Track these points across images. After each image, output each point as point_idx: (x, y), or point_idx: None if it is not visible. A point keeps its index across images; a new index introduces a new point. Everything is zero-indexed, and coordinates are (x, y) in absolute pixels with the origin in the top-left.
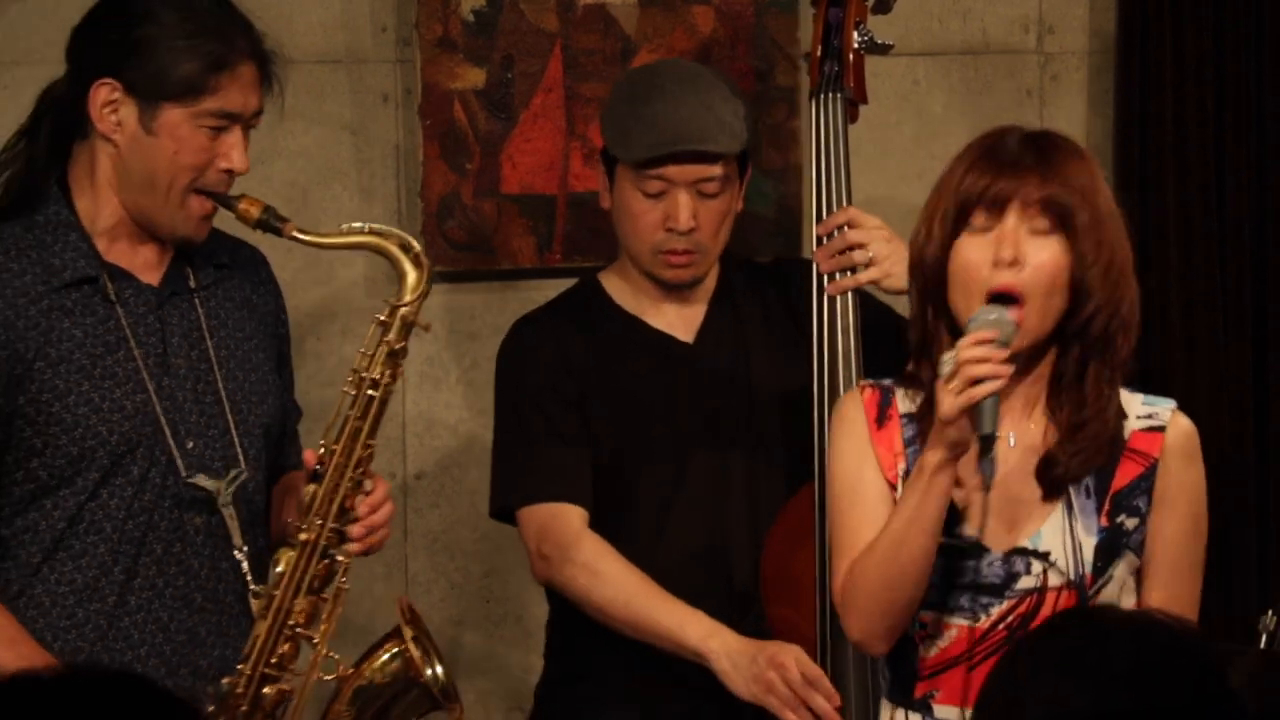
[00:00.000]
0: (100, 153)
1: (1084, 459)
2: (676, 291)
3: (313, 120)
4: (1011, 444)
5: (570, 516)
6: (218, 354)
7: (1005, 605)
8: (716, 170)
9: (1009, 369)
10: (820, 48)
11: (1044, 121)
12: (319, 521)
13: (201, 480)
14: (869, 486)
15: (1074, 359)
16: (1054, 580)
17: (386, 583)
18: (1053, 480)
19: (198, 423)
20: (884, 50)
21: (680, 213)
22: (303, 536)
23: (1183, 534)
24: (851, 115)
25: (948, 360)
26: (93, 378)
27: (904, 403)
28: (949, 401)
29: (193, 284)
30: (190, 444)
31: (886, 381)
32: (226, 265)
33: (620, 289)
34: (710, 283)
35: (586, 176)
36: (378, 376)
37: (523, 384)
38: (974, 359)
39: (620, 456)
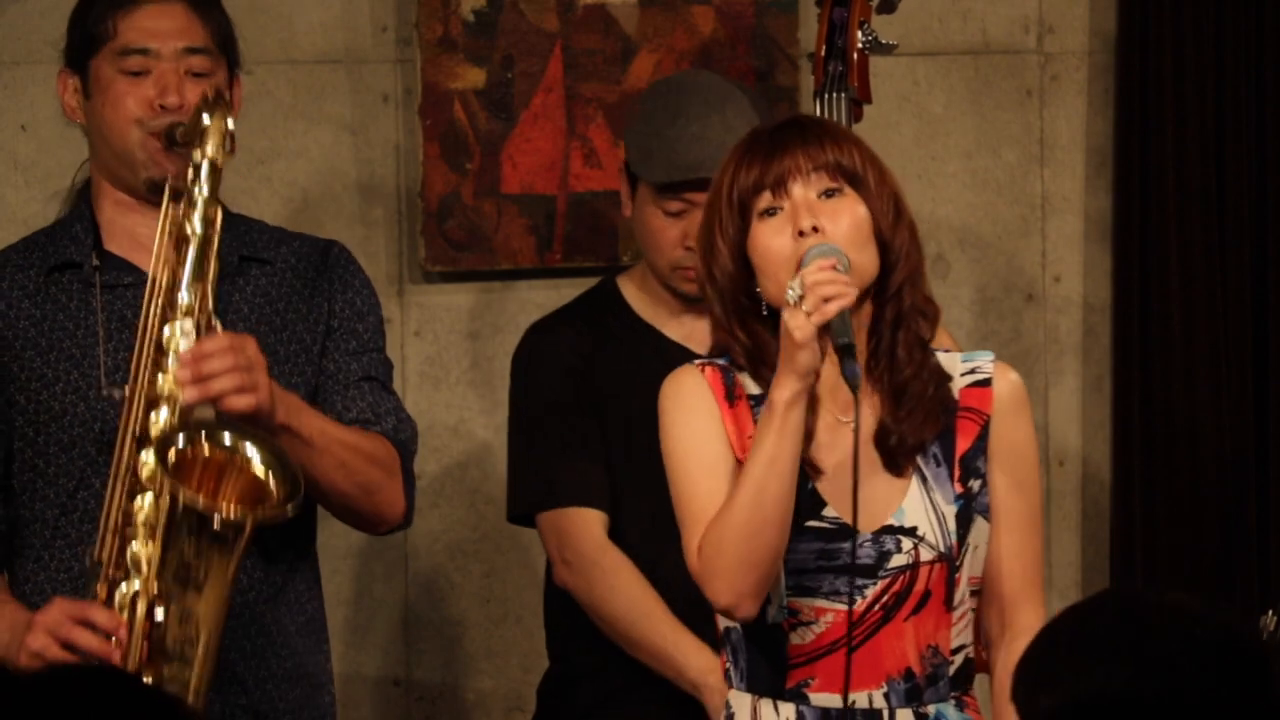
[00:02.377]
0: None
1: (914, 424)
2: (696, 303)
3: (313, 120)
4: (855, 427)
5: (591, 522)
6: None
7: (880, 585)
8: None
9: (854, 288)
10: (824, 47)
11: (1043, 121)
12: (135, 368)
13: (116, 393)
14: (720, 459)
15: (887, 326)
16: (925, 555)
17: (386, 583)
18: (891, 451)
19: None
20: (888, 50)
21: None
22: (123, 393)
23: (1013, 487)
24: (855, 115)
25: (794, 285)
26: (81, 366)
27: (749, 385)
28: (802, 322)
29: None
30: None
31: (720, 361)
32: (266, 260)
33: (638, 297)
34: None
35: (586, 176)
36: (184, 218)
37: (539, 389)
38: (822, 280)
39: (632, 466)
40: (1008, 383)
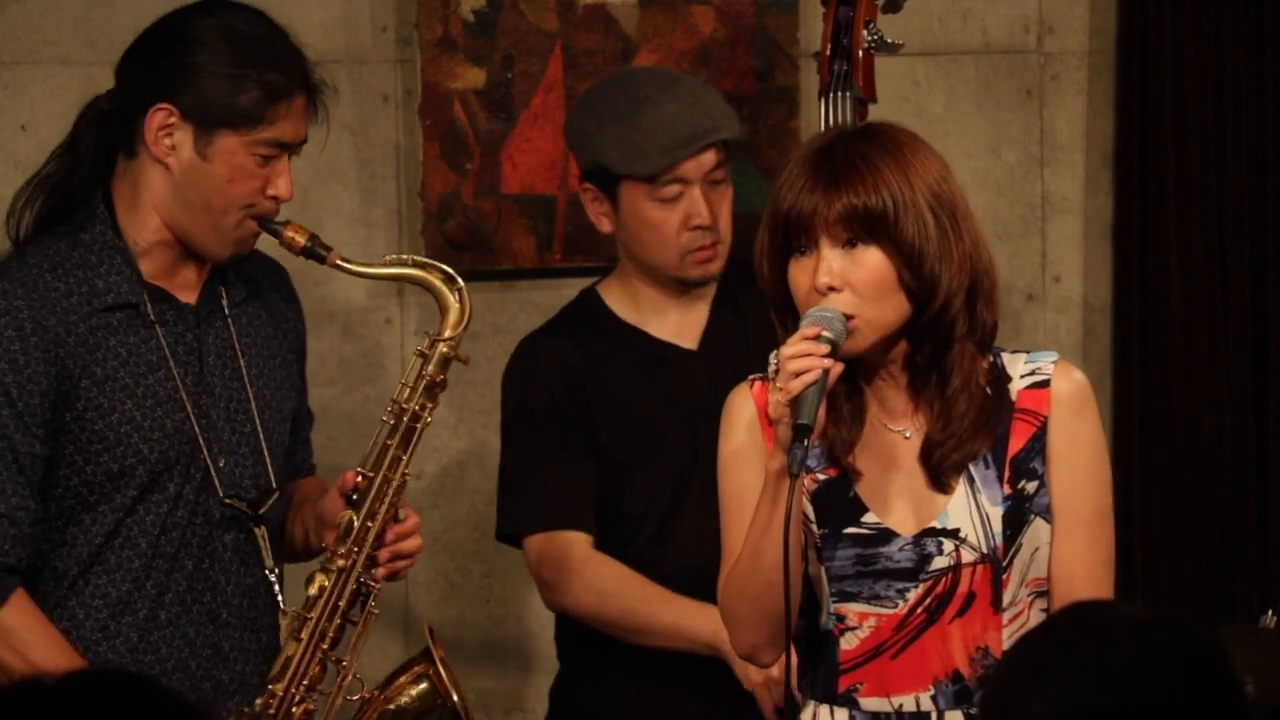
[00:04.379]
0: (149, 174)
1: (957, 442)
2: (679, 296)
3: (312, 120)
4: (908, 436)
5: (573, 543)
6: (249, 373)
7: (921, 588)
8: (722, 156)
9: (830, 362)
10: (830, 46)
11: (1044, 122)
12: (355, 549)
13: (237, 502)
14: (753, 489)
15: (927, 347)
16: (967, 556)
17: (386, 587)
18: (934, 467)
19: (230, 441)
20: (893, 49)
21: (700, 208)
22: (340, 563)
23: (1075, 487)
24: (860, 114)
25: (772, 360)
26: (135, 396)
27: None
28: (775, 399)
29: (225, 304)
30: (222, 462)
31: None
32: (256, 281)
33: (620, 300)
34: (711, 287)
35: None
36: (416, 408)
37: (527, 409)
38: (793, 354)
39: (628, 468)
40: (1070, 382)
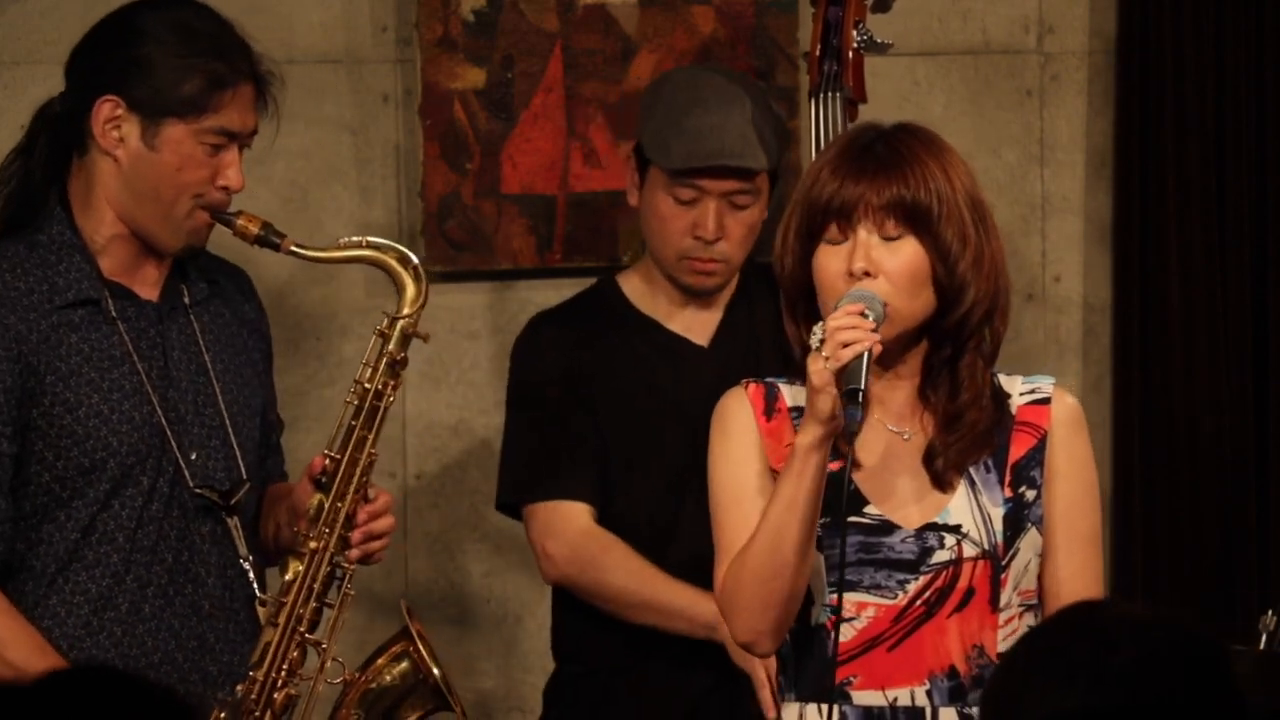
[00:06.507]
0: (100, 168)
1: (962, 448)
2: (699, 296)
3: (313, 120)
4: (907, 438)
5: (575, 514)
6: (214, 368)
7: (921, 580)
8: (749, 184)
9: (876, 336)
10: (819, 47)
11: (1043, 122)
12: (326, 530)
13: (209, 492)
14: (751, 484)
15: (946, 349)
16: (969, 551)
17: (386, 583)
18: (935, 472)
19: (199, 434)
20: (882, 49)
21: (709, 222)
22: (311, 545)
23: (1074, 504)
24: (850, 114)
25: (817, 331)
26: (101, 390)
27: (791, 397)
28: (820, 367)
29: (187, 300)
30: (194, 455)
31: (770, 379)
32: (218, 282)
33: (638, 290)
34: (729, 287)
35: (586, 176)
36: (379, 386)
37: (534, 381)
38: (842, 326)
39: (631, 458)
40: (1068, 405)
